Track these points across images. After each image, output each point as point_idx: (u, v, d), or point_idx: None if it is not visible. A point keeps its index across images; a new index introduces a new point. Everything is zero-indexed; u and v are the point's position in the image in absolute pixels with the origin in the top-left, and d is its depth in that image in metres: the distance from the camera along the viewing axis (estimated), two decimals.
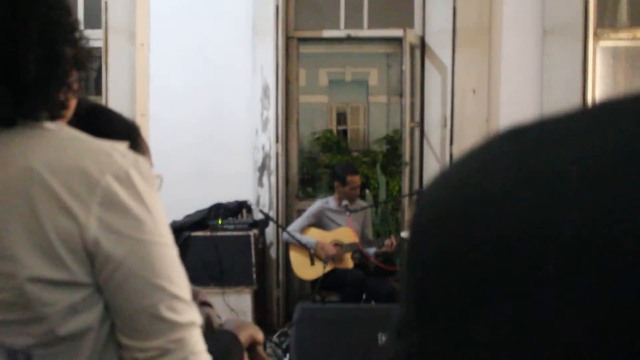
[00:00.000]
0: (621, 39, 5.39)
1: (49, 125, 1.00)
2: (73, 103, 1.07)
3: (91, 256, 0.94)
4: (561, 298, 0.34)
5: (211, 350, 1.27)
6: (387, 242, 4.94)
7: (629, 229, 0.33)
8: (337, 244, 5.01)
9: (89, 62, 1.07)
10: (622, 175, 0.34)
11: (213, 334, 1.47)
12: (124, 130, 1.33)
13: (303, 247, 4.90)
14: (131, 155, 0.99)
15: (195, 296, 1.53)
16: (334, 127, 17.15)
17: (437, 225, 0.41)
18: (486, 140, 0.41)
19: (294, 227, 5.09)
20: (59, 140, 0.98)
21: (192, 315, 1.01)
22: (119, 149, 0.99)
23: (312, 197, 6.44)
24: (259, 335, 1.54)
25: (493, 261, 0.36)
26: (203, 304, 1.54)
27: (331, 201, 5.21)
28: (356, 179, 5.20)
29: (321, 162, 13.27)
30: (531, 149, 0.38)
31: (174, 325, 0.97)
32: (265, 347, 1.56)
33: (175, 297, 0.98)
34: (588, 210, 0.34)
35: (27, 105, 0.96)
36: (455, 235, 0.39)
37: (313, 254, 4.89)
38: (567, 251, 0.34)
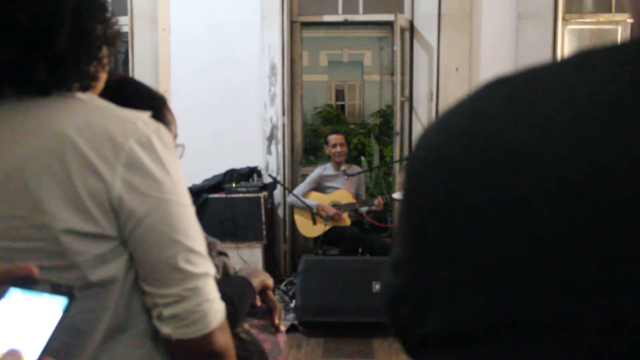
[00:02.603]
0: (586, 23, 5.36)
1: (81, 95, 0.98)
2: (103, 76, 1.05)
3: (116, 212, 0.93)
4: (546, 231, 0.33)
5: (227, 292, 1.27)
6: (375, 201, 4.95)
7: (607, 167, 0.32)
8: (335, 205, 5.01)
9: (118, 40, 1.05)
10: (600, 118, 0.33)
11: (229, 279, 1.47)
12: (150, 101, 1.30)
13: (306, 208, 4.91)
14: (153, 123, 0.98)
15: (213, 247, 1.53)
16: (333, 102, 17.06)
17: (432, 168, 0.40)
18: (476, 89, 0.40)
19: (296, 192, 5.09)
20: (89, 109, 0.96)
21: (206, 266, 0.99)
22: (142, 117, 0.97)
23: (315, 164, 6.42)
24: (269, 281, 1.53)
25: (483, 198, 0.35)
26: (220, 254, 1.53)
27: (328, 168, 5.21)
28: (336, 137, 5.20)
29: (322, 133, 13.15)
30: (518, 95, 0.37)
31: (190, 275, 0.96)
32: (273, 294, 1.57)
33: (191, 250, 0.96)
34: (570, 150, 0.33)
35: (59, 75, 0.94)
36: (449, 177, 0.38)
37: (315, 213, 4.89)
38: (552, 187, 0.33)
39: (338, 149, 5.14)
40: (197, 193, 4.86)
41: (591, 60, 0.36)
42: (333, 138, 5.20)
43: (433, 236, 0.38)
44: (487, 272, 0.35)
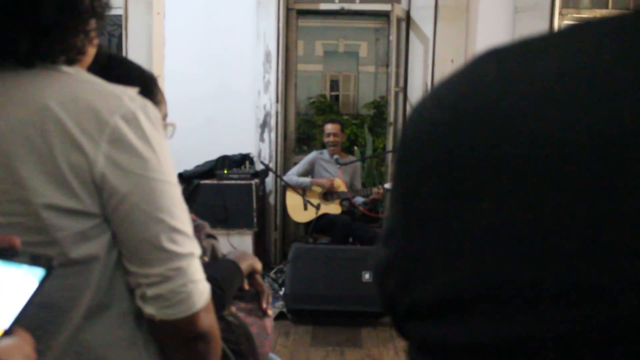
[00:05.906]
0: (583, 19, 5.35)
1: (66, 68, 0.95)
2: (91, 50, 1.02)
3: (99, 189, 0.90)
4: (540, 197, 0.32)
5: (215, 275, 1.26)
6: (375, 190, 4.96)
7: (603, 132, 0.31)
8: (327, 192, 5.02)
9: (107, 13, 1.02)
10: (595, 84, 0.32)
11: (217, 261, 1.46)
12: (140, 79, 1.28)
13: (299, 187, 4.96)
14: (139, 99, 0.95)
15: (202, 229, 1.51)
16: (327, 92, 17.05)
17: (424, 135, 0.39)
18: (470, 60, 0.39)
19: (292, 172, 5.15)
20: (74, 82, 0.93)
21: (191, 247, 0.97)
22: (129, 93, 0.95)
23: (307, 153, 6.43)
24: (258, 265, 1.52)
25: (475, 165, 0.35)
26: (209, 237, 1.52)
27: (325, 153, 5.26)
28: (331, 126, 5.25)
29: (316, 122, 13.19)
30: (511, 64, 0.36)
31: (174, 255, 0.94)
32: (262, 279, 1.55)
33: (176, 230, 0.94)
34: (565, 117, 0.32)
35: (44, 47, 0.91)
36: (442, 144, 0.37)
37: (306, 200, 4.89)
38: (547, 153, 0.32)
39: (331, 138, 5.17)
40: (189, 179, 4.84)
41: (586, 29, 0.36)
42: (329, 127, 5.24)
43: (423, 203, 0.38)
44: (477, 239, 0.34)
